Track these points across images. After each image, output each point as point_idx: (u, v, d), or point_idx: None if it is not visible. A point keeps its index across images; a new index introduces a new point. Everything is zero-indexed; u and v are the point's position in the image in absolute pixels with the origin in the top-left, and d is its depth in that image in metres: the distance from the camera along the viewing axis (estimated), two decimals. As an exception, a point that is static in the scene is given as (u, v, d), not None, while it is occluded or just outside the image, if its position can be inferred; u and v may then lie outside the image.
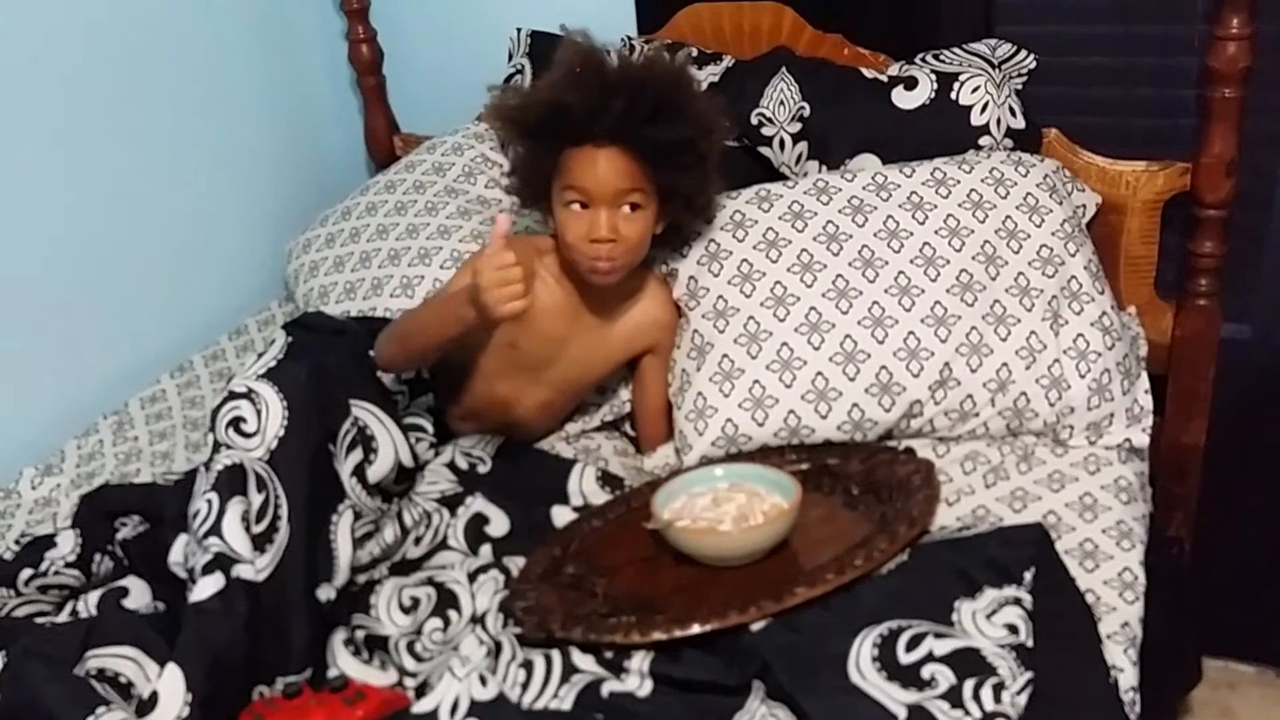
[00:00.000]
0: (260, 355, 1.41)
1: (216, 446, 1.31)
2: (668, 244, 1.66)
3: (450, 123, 2.13)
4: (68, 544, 1.37)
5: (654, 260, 1.67)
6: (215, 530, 1.24)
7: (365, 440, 1.41)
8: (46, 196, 1.77)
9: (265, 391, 1.34)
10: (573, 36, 1.57)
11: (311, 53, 2.28)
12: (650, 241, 1.58)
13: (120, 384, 1.88)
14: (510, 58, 2.06)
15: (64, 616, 1.34)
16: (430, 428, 1.56)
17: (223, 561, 1.22)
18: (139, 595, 1.32)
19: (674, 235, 1.65)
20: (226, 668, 1.19)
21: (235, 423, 1.32)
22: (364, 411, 1.42)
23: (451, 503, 1.47)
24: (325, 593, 1.29)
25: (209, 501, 1.26)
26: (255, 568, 1.24)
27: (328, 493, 1.34)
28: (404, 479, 1.48)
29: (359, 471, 1.39)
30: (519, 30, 2.06)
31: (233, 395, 1.34)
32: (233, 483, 1.27)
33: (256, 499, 1.28)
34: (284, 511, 1.28)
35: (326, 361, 1.41)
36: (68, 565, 1.36)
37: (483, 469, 1.53)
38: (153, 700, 1.14)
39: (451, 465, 1.52)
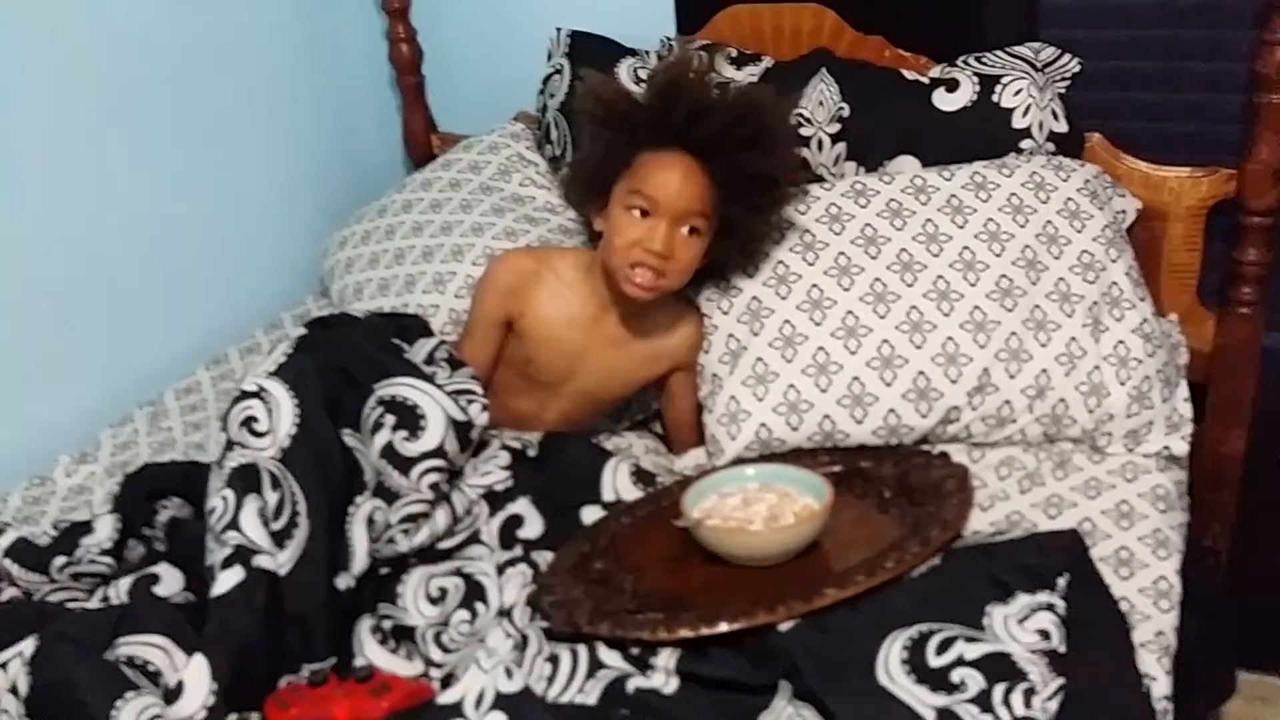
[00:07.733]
0: (270, 352, 1.42)
1: (230, 445, 1.32)
2: (700, 282, 1.63)
3: (488, 123, 2.14)
4: (104, 530, 1.37)
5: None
6: (234, 524, 1.24)
7: (407, 412, 1.39)
8: (87, 191, 1.78)
9: (276, 389, 1.34)
10: (683, 50, 1.55)
11: (352, 52, 2.29)
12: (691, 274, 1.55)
13: (156, 376, 1.89)
14: (550, 58, 2.06)
15: (95, 603, 1.35)
16: (479, 389, 1.49)
17: (243, 554, 1.23)
18: (170, 583, 1.32)
19: (711, 274, 1.61)
20: (250, 657, 1.19)
21: (248, 422, 1.32)
22: (399, 387, 1.40)
23: (493, 501, 1.46)
24: (344, 581, 1.29)
25: (224, 498, 1.27)
26: (276, 561, 1.24)
27: (345, 485, 1.34)
28: (467, 444, 1.44)
29: (389, 451, 1.37)
30: (559, 30, 2.06)
31: (244, 395, 1.34)
32: (246, 481, 1.28)
33: (272, 497, 1.28)
34: (302, 508, 1.28)
35: (341, 351, 1.41)
36: (102, 553, 1.36)
37: (532, 452, 1.52)
38: (179, 689, 1.15)
39: (504, 445, 1.51)
